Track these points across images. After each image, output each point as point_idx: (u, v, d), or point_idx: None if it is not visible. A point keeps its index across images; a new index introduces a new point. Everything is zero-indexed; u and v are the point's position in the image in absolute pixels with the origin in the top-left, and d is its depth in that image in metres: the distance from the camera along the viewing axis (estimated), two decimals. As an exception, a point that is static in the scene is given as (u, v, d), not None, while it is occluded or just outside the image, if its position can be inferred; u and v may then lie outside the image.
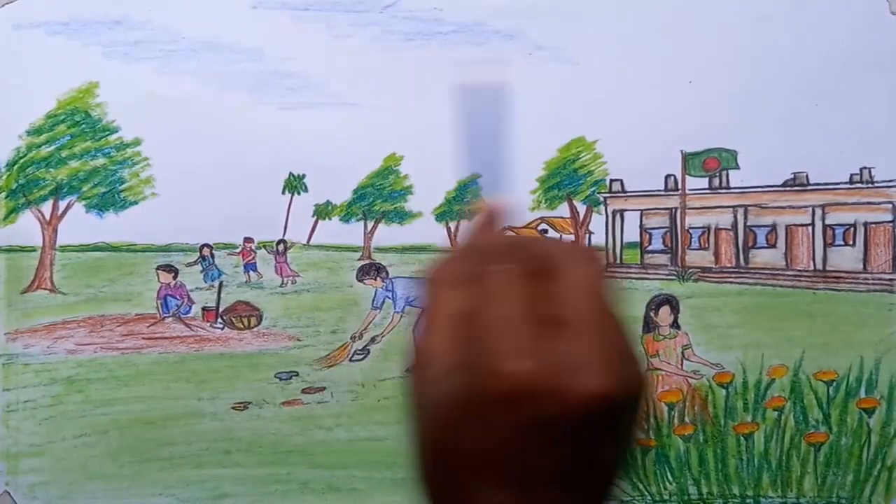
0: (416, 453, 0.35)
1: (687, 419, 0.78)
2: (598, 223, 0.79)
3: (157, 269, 0.77)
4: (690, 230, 0.81)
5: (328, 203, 0.78)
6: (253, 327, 0.78)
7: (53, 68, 0.76)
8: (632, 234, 0.80)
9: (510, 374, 0.32)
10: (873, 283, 0.78)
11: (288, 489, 0.77)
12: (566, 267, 0.35)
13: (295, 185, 0.77)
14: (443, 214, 0.78)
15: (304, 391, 0.77)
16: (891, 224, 0.79)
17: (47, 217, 0.77)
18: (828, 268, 0.79)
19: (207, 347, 0.78)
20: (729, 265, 0.80)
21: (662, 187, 0.79)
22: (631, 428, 0.35)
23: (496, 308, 0.33)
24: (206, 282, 0.78)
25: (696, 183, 0.79)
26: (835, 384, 0.78)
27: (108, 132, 0.77)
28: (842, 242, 0.79)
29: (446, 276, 0.36)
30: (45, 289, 0.77)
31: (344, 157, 0.77)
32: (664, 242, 0.81)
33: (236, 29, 0.76)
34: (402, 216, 0.78)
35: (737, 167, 0.78)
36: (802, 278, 0.79)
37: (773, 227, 0.80)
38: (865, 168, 0.78)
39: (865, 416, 0.78)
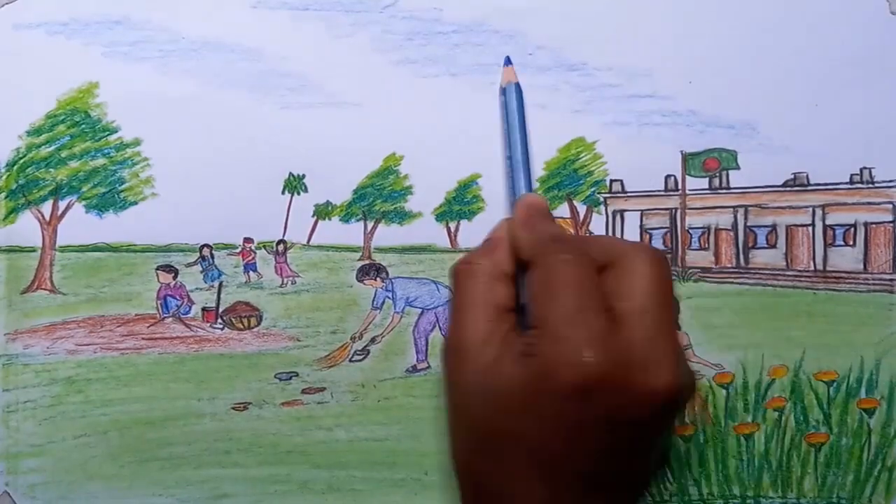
0: (458, 437, 0.34)
1: (687, 419, 0.78)
2: (598, 223, 0.79)
3: (157, 269, 0.77)
4: (690, 230, 0.81)
5: (328, 203, 0.78)
6: (253, 328, 0.78)
7: (53, 68, 0.76)
8: (632, 234, 0.80)
9: (580, 365, 0.31)
10: (874, 284, 0.78)
11: (288, 489, 0.77)
12: (634, 262, 0.35)
13: (295, 185, 0.77)
14: (443, 214, 0.78)
15: (303, 391, 0.77)
16: (891, 224, 0.79)
17: (47, 217, 0.77)
18: (828, 268, 0.79)
19: (207, 348, 0.78)
20: (729, 265, 0.80)
21: (662, 187, 0.79)
22: (670, 429, 0.35)
23: (561, 298, 0.33)
24: (206, 282, 0.78)
25: (696, 183, 0.79)
26: (835, 384, 0.78)
27: (108, 132, 0.77)
28: (842, 242, 0.79)
29: (483, 266, 0.35)
30: (45, 289, 0.77)
31: (344, 157, 0.77)
32: (664, 243, 0.81)
33: (236, 29, 0.76)
34: (402, 216, 0.78)
35: (737, 167, 0.78)
36: (802, 278, 0.79)
37: (774, 228, 0.80)
38: (865, 168, 0.78)
39: (866, 416, 0.78)
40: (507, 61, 0.43)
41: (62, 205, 0.77)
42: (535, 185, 0.42)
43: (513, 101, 0.41)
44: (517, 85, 0.42)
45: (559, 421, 0.32)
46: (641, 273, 0.35)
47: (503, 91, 0.42)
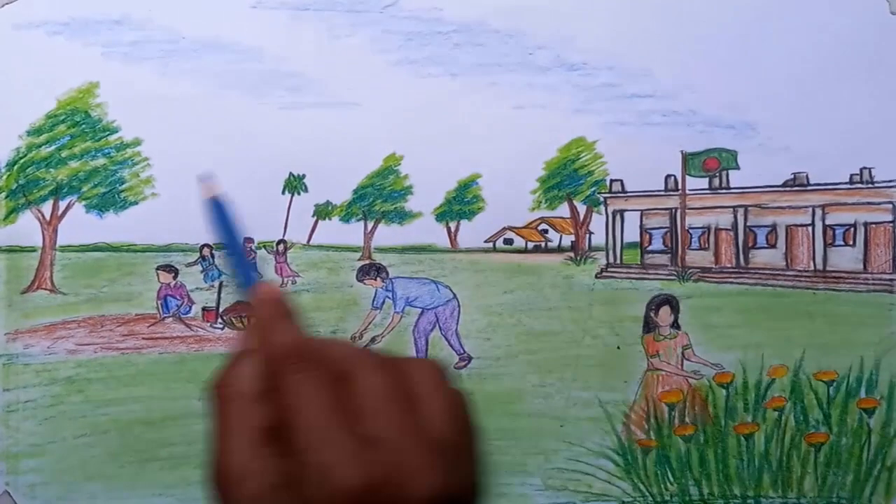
0: None
1: (687, 419, 0.78)
2: (598, 223, 0.79)
3: (157, 269, 0.77)
4: (690, 230, 0.81)
5: (328, 203, 0.78)
6: (253, 327, 0.78)
7: (53, 68, 0.76)
8: (632, 234, 0.80)
9: (341, 485, 0.30)
10: (873, 284, 0.78)
11: (288, 489, 0.77)
12: (361, 376, 0.33)
13: (295, 185, 0.77)
14: (443, 214, 0.78)
15: (304, 391, 0.77)
16: (891, 224, 0.79)
17: (47, 217, 0.77)
18: (828, 268, 0.79)
19: (207, 347, 0.78)
20: (729, 265, 0.80)
21: (662, 187, 0.79)
22: None
23: (309, 419, 0.31)
24: (206, 282, 0.78)
25: (696, 183, 0.79)
26: (835, 384, 0.78)
27: (108, 132, 0.77)
28: (842, 242, 0.79)
29: (238, 386, 0.33)
30: (45, 289, 0.77)
31: (344, 157, 0.77)
32: (664, 242, 0.81)
33: (236, 29, 0.76)
34: (402, 216, 0.78)
35: (737, 167, 0.78)
36: (802, 278, 0.79)
37: (773, 228, 0.80)
38: (865, 168, 0.78)
39: (866, 416, 0.78)
40: (206, 178, 0.42)
41: (62, 205, 0.77)
42: (257, 276, 0.40)
43: (216, 216, 0.41)
44: (215, 199, 0.42)
45: None
46: (372, 385, 0.33)
47: (209, 205, 0.41)
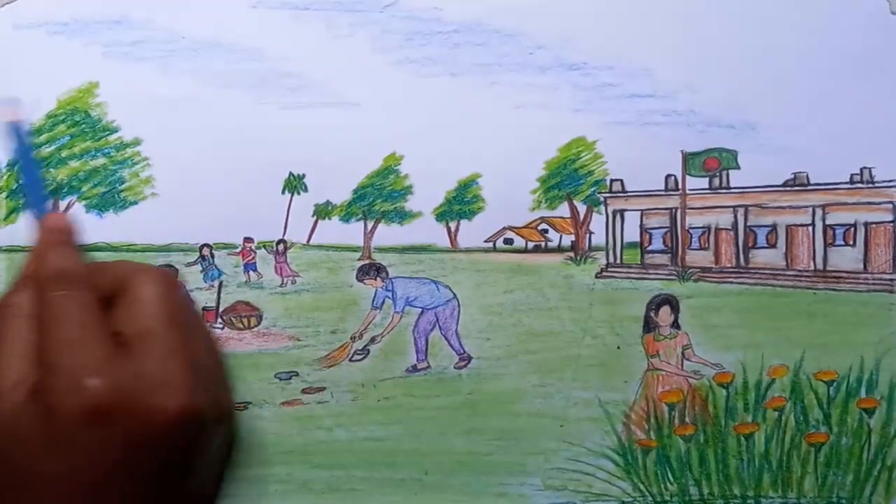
0: None
1: (687, 419, 0.78)
2: (598, 223, 0.79)
3: (157, 269, 0.77)
4: (690, 230, 0.81)
5: (328, 203, 0.78)
6: (253, 327, 0.78)
7: (53, 68, 0.76)
8: (632, 234, 0.80)
9: (86, 388, 0.31)
10: (873, 283, 0.78)
11: (288, 489, 0.77)
12: (136, 286, 0.34)
13: (295, 185, 0.77)
14: (443, 214, 0.78)
15: (304, 391, 0.77)
16: (891, 224, 0.79)
17: (47, 217, 0.77)
18: (828, 268, 0.79)
19: (207, 347, 0.77)
20: (729, 265, 0.80)
21: (662, 187, 0.79)
22: (226, 458, 0.35)
23: (64, 331, 0.32)
24: (206, 282, 0.78)
25: (697, 183, 0.79)
26: (835, 384, 0.78)
27: (108, 132, 0.77)
28: (842, 242, 0.79)
29: (10, 307, 0.35)
30: (44, 289, 0.77)
31: (344, 157, 0.77)
32: (664, 242, 0.81)
33: (236, 29, 0.76)
34: (402, 216, 0.78)
35: (737, 167, 0.78)
36: (803, 278, 0.79)
37: (774, 227, 0.80)
38: (865, 168, 0.78)
39: (866, 416, 0.78)
40: (10, 102, 0.43)
41: (62, 204, 0.77)
42: (49, 206, 0.41)
43: (15, 139, 0.41)
44: (15, 123, 0.42)
45: (81, 453, 0.32)
46: (144, 296, 0.34)
47: (8, 128, 0.42)
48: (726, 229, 0.81)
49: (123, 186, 0.77)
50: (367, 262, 0.78)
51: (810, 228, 0.79)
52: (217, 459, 0.34)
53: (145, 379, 0.31)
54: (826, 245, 0.79)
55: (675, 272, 0.80)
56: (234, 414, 0.36)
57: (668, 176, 0.79)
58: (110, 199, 0.77)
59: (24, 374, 0.32)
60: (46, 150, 0.77)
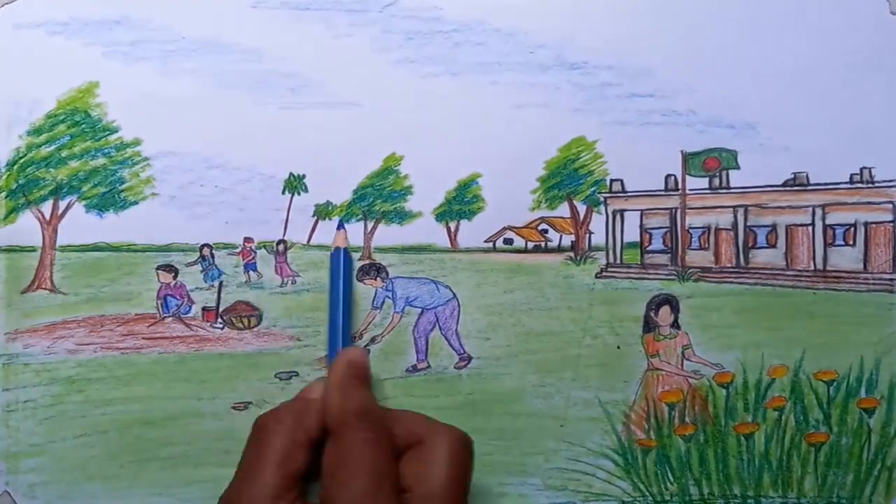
0: None
1: (687, 419, 0.78)
2: (598, 223, 0.79)
3: (157, 269, 0.77)
4: (690, 230, 0.81)
5: (328, 203, 0.78)
6: (253, 327, 0.78)
7: (53, 68, 0.76)
8: (632, 234, 0.80)
9: None
10: (874, 283, 0.78)
11: (288, 489, 0.77)
12: (433, 445, 0.34)
13: (295, 185, 0.77)
14: (443, 214, 0.78)
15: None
16: (891, 224, 0.79)
17: (47, 217, 0.77)
18: (828, 268, 0.79)
19: (207, 347, 0.78)
20: (729, 265, 0.80)
21: (662, 187, 0.79)
22: None
23: (350, 479, 0.32)
24: (206, 282, 0.78)
25: (697, 183, 0.79)
26: (835, 384, 0.78)
27: (108, 132, 0.77)
28: (842, 242, 0.79)
29: (285, 428, 0.34)
30: (45, 289, 0.77)
31: (344, 157, 0.77)
32: (664, 242, 0.81)
33: (236, 29, 0.76)
34: (402, 216, 0.78)
35: (737, 167, 0.78)
36: (802, 278, 0.79)
37: (774, 227, 0.80)
38: (865, 168, 0.78)
39: (866, 416, 0.78)
40: (340, 225, 0.44)
41: (62, 204, 0.77)
42: (354, 342, 0.41)
43: (339, 266, 0.42)
44: (345, 250, 0.43)
45: None
46: (440, 459, 0.34)
47: (332, 254, 0.43)
48: (726, 229, 0.81)
49: (123, 186, 0.77)
50: (367, 262, 0.78)
51: (810, 228, 0.79)
52: None
53: None
54: (826, 245, 0.79)
55: (674, 272, 0.80)
56: None
57: (668, 176, 0.79)
58: (110, 199, 0.77)
59: (270, 494, 0.31)
60: (46, 150, 0.77)
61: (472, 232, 0.78)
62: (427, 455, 0.34)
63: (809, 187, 0.78)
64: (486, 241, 0.79)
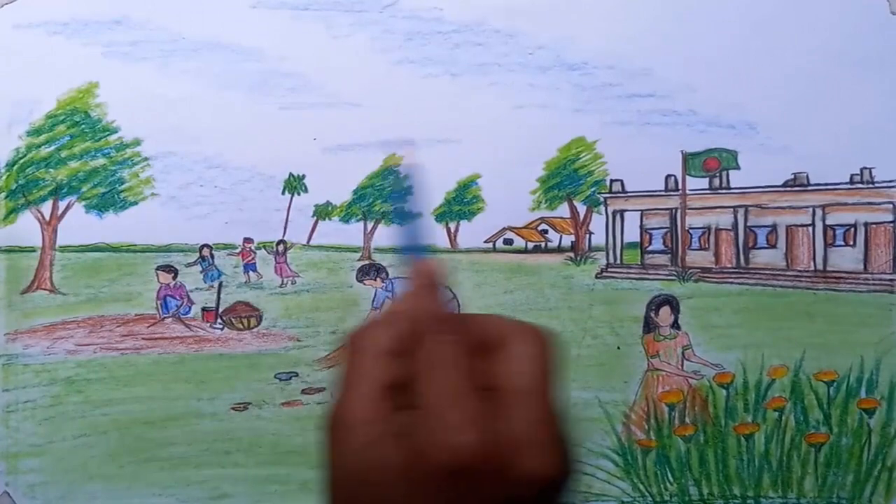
0: None
1: (687, 419, 0.78)
2: (598, 223, 0.79)
3: (157, 269, 0.77)
4: (691, 230, 0.81)
5: (328, 203, 0.78)
6: (253, 328, 0.78)
7: (53, 68, 0.76)
8: (632, 234, 0.80)
9: (455, 446, 0.31)
10: (874, 284, 0.78)
11: (287, 489, 0.77)
12: (512, 343, 0.35)
13: (295, 185, 0.77)
14: (443, 214, 0.78)
15: (303, 391, 0.77)
16: (891, 224, 0.78)
17: (47, 217, 0.77)
18: (828, 268, 0.79)
19: (207, 348, 0.78)
20: (729, 265, 0.80)
21: (663, 187, 0.79)
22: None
23: (439, 379, 0.32)
24: (205, 282, 0.78)
25: (697, 183, 0.79)
26: (835, 384, 0.78)
27: (107, 132, 0.77)
28: (842, 243, 0.79)
29: (374, 341, 0.35)
30: (44, 289, 0.77)
31: (344, 157, 0.77)
32: (664, 243, 0.81)
33: (236, 29, 0.76)
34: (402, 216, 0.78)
35: (737, 167, 0.78)
36: (803, 278, 0.79)
37: (774, 228, 0.80)
38: (865, 168, 0.78)
39: (866, 416, 0.78)
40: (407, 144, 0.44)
41: (62, 205, 0.77)
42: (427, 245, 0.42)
43: (400, 184, 0.42)
44: (406, 169, 0.44)
45: (441, 500, 0.32)
46: (526, 355, 0.34)
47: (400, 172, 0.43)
48: (726, 229, 0.81)
49: (123, 186, 0.77)
50: (367, 262, 0.78)
51: (810, 229, 0.79)
52: None
53: (514, 441, 0.32)
54: (826, 245, 0.79)
55: (675, 272, 0.80)
56: (576, 470, 0.36)
57: (668, 176, 0.79)
58: (110, 199, 0.77)
59: (377, 413, 0.32)
60: (46, 151, 0.77)
61: (471, 232, 0.78)
62: (511, 352, 0.34)
63: (809, 188, 0.78)
64: (485, 242, 0.78)
